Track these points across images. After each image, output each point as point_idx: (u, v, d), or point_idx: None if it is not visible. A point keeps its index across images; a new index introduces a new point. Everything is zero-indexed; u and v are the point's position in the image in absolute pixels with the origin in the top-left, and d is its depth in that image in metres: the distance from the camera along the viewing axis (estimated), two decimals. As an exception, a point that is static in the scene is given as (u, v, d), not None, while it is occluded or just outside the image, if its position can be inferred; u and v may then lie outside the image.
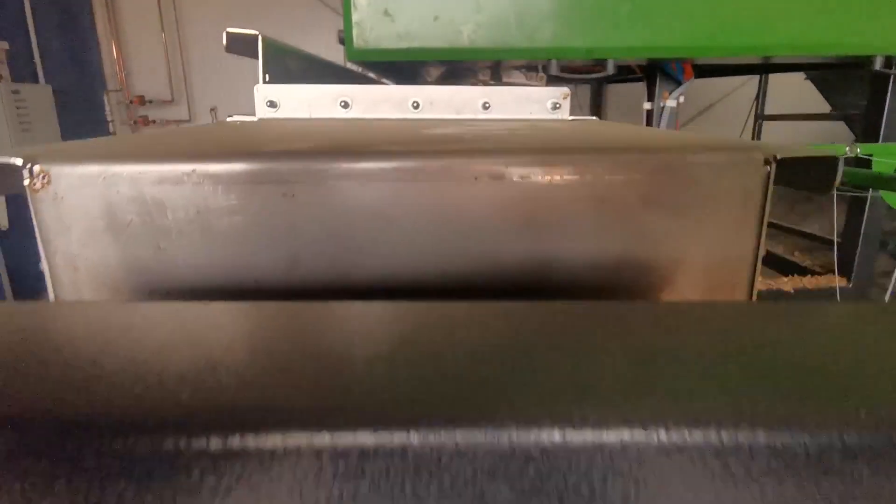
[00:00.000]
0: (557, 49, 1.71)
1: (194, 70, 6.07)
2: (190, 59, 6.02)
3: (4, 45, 4.59)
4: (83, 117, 5.52)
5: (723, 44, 1.73)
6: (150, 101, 5.97)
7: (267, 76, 0.94)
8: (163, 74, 5.92)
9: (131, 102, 5.93)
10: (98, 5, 5.70)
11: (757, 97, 4.27)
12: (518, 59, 1.90)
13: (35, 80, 5.05)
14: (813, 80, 3.78)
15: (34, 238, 0.46)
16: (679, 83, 2.22)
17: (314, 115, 0.90)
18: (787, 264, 2.90)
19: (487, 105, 0.91)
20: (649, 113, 2.30)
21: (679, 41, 1.73)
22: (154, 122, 6.03)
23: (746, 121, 4.39)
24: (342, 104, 0.89)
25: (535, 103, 0.92)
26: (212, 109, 6.07)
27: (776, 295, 2.53)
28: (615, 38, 1.75)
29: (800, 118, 4.05)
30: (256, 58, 0.90)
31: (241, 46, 0.92)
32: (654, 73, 2.24)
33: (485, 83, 2.43)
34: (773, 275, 3.07)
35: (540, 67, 2.18)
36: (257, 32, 0.91)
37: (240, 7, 5.80)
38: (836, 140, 6.70)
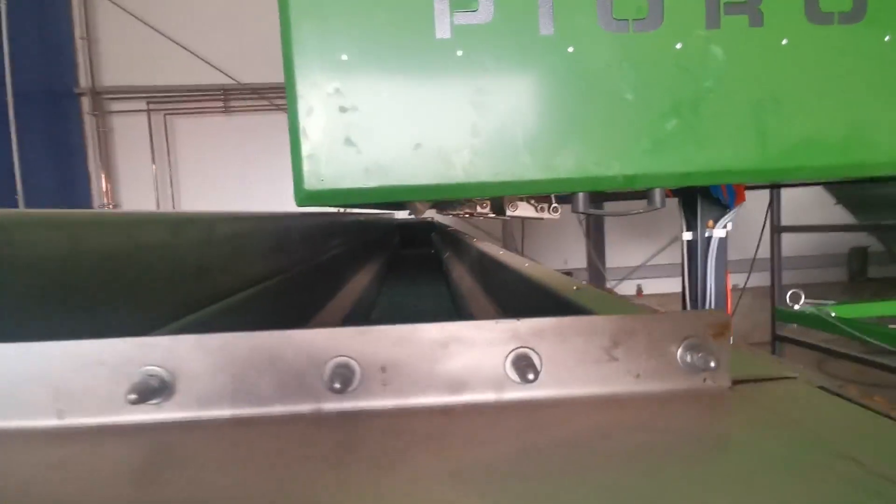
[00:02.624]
0: (584, 179, 1.17)
1: (185, 198, 5.69)
2: (180, 186, 5.66)
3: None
4: (65, 251, 5.04)
5: (806, 163, 1.21)
6: (137, 232, 5.51)
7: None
8: (152, 205, 5.53)
9: (117, 233, 5.46)
10: (90, 138, 5.41)
11: (770, 205, 3.80)
12: (532, 193, 1.37)
13: (14, 215, 4.62)
14: (839, 198, 3.33)
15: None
16: (726, 207, 1.70)
17: (67, 421, 0.33)
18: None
19: (533, 374, 0.33)
20: (690, 244, 1.75)
21: (748, 163, 1.20)
22: (140, 252, 5.54)
23: (762, 233, 3.89)
24: (139, 393, 0.32)
25: (641, 352, 0.35)
26: (200, 237, 5.60)
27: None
28: (660, 161, 1.22)
29: (822, 230, 3.55)
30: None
31: None
32: (693, 195, 1.72)
33: (484, 215, 1.91)
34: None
35: (553, 197, 1.66)
36: None
37: (231, 134, 5.53)
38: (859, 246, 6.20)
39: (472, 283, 1.85)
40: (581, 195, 1.25)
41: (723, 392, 0.35)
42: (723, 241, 1.71)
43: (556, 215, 1.69)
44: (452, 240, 2.71)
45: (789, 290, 6.72)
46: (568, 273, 5.22)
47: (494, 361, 0.35)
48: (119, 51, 5.37)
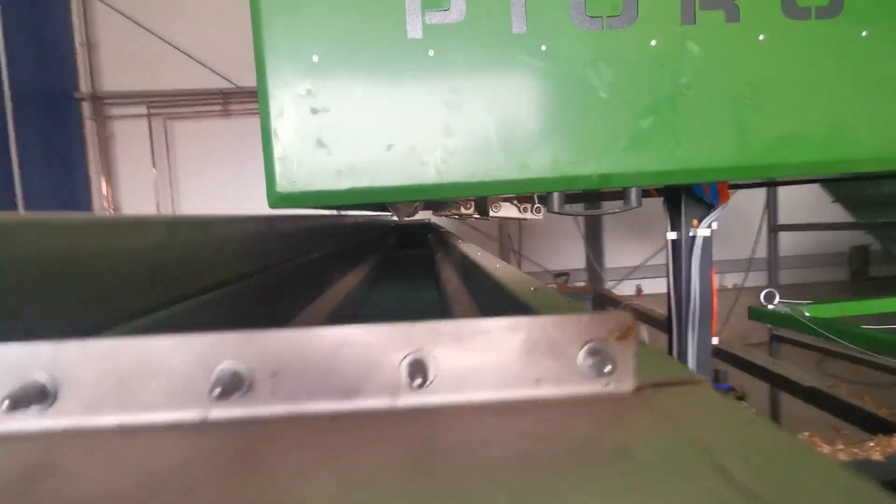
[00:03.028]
0: (559, 179, 1.16)
1: (185, 201, 5.71)
2: (180, 189, 5.68)
3: (-18, 188, 4.23)
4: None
5: (789, 160, 1.19)
6: (137, 235, 5.54)
7: None
8: (152, 209, 5.55)
9: (117, 237, 5.49)
10: (91, 143, 5.44)
11: (767, 205, 3.77)
12: (507, 193, 1.35)
13: (16, 220, 4.64)
14: (838, 197, 3.29)
15: None
16: (711, 206, 1.68)
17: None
18: (854, 412, 2.21)
19: (422, 379, 0.32)
20: (675, 244, 1.74)
21: (727, 160, 1.18)
22: (141, 255, 5.57)
23: (759, 231, 3.87)
24: (14, 400, 0.31)
25: (542, 355, 0.33)
26: (200, 240, 5.62)
27: (863, 465, 1.82)
28: (637, 160, 1.20)
29: (818, 228, 3.52)
30: None
31: None
32: (678, 194, 1.70)
33: (469, 216, 1.90)
34: (841, 426, 2.41)
35: (535, 197, 1.65)
36: None
37: (230, 137, 5.54)
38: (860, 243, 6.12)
39: (457, 284, 1.84)
40: (556, 195, 1.23)
41: (623, 397, 0.33)
42: (707, 240, 1.70)
43: (539, 216, 1.68)
44: (443, 241, 2.71)
45: (790, 289, 6.68)
46: (564, 274, 5.20)
47: (389, 366, 0.33)
48: (119, 56, 5.40)
